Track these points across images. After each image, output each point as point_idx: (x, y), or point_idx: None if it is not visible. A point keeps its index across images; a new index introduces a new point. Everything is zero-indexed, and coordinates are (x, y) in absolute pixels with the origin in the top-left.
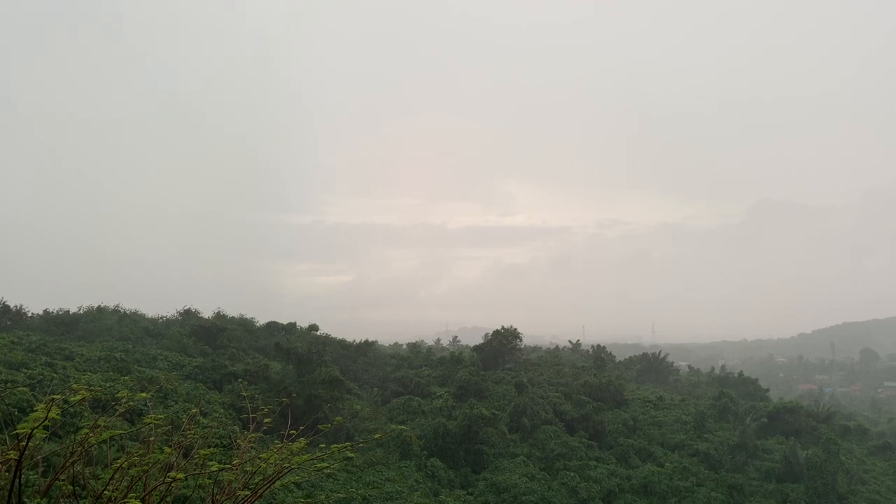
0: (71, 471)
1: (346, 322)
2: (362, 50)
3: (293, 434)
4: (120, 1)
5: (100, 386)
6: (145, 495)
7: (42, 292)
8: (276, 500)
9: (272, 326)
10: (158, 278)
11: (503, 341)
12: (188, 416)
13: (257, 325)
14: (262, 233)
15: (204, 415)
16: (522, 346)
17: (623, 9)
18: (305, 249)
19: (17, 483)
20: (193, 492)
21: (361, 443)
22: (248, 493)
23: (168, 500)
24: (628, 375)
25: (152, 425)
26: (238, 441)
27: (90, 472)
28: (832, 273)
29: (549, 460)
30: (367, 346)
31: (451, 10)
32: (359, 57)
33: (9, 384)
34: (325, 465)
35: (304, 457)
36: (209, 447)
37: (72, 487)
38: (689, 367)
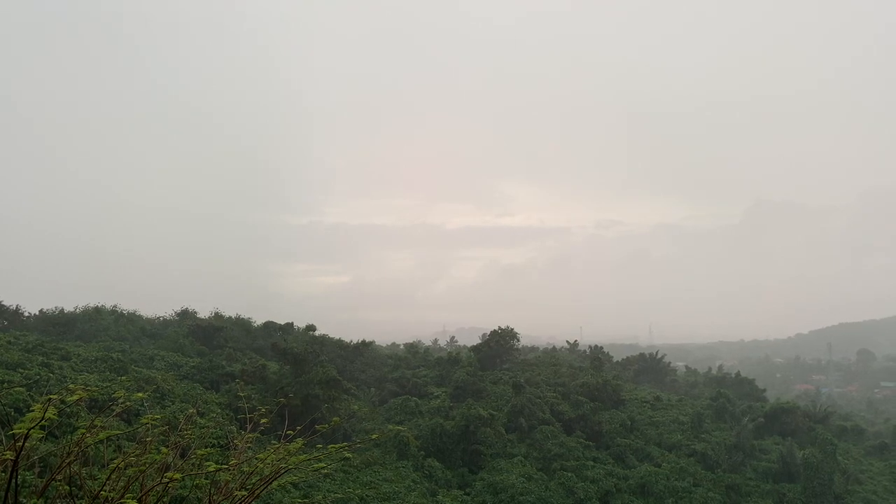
0: (67, 471)
1: (344, 322)
2: (362, 50)
3: (290, 434)
4: (119, 0)
5: (96, 386)
6: (142, 495)
7: (40, 292)
8: (273, 500)
9: (269, 326)
10: (156, 278)
11: (501, 342)
12: (185, 417)
13: (255, 325)
14: (260, 233)
15: (201, 415)
16: (520, 347)
17: (623, 9)
18: (303, 249)
19: (13, 483)
20: (190, 492)
21: (359, 443)
22: (245, 493)
23: (165, 500)
24: (626, 376)
25: (149, 425)
26: (235, 441)
27: (87, 473)
28: (829, 273)
29: (546, 460)
30: (365, 347)
31: (451, 11)
32: (358, 57)
33: (5, 384)
34: (322, 465)
35: (302, 457)
36: (206, 447)
37: (68, 488)
38: (687, 367)
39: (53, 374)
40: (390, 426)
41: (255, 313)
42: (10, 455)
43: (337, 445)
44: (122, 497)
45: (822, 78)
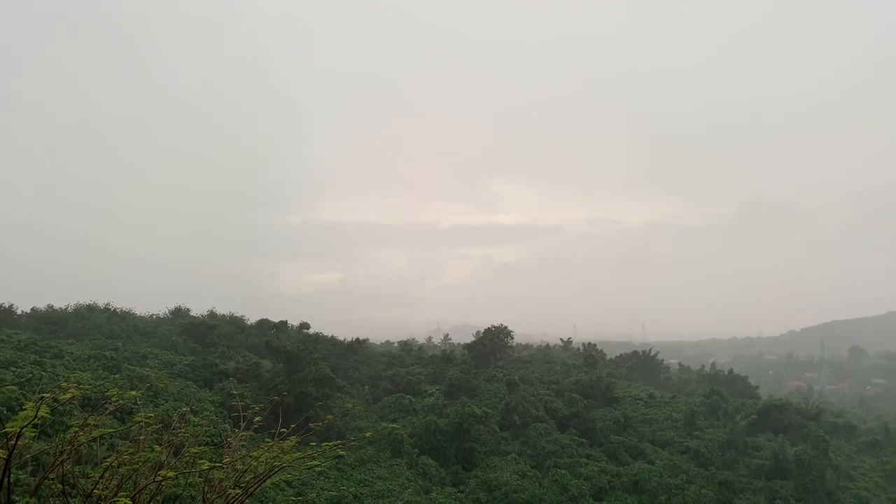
0: (60, 469)
1: (338, 320)
2: (361, 49)
3: (284, 432)
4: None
5: (89, 384)
6: (135, 494)
7: (37, 291)
8: (266, 498)
9: (263, 325)
10: (151, 277)
11: (494, 339)
12: (179, 415)
13: (248, 323)
14: (255, 231)
15: (194, 413)
16: (513, 345)
17: (623, 9)
18: (298, 248)
19: (6, 482)
20: (184, 490)
21: (353, 441)
22: (238, 491)
23: (158, 498)
24: (619, 373)
25: (142, 424)
26: (229, 439)
27: (80, 471)
28: (822, 272)
29: (540, 458)
30: (359, 345)
31: (452, 11)
32: (357, 56)
33: None
34: (316, 463)
35: (295, 455)
36: (200, 446)
37: (61, 486)
38: (680, 364)
39: (46, 372)
40: (384, 424)
41: (249, 312)
42: (2, 453)
43: (331, 443)
44: (115, 495)
45: (821, 78)
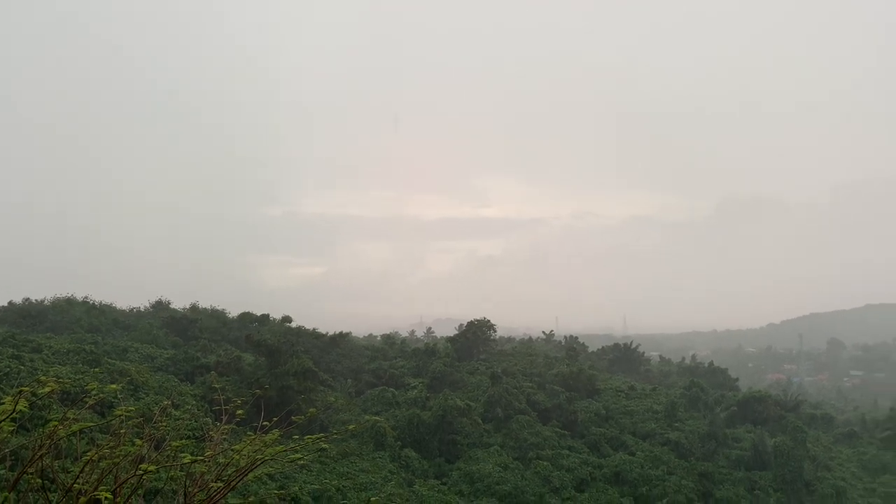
0: (39, 464)
1: (321, 314)
2: (342, 43)
3: (266, 426)
4: None
5: (69, 378)
6: (116, 488)
7: (13, 284)
8: (249, 491)
9: (245, 318)
10: (131, 270)
11: (477, 332)
12: (160, 409)
13: (230, 316)
14: (238, 224)
15: (175, 407)
16: (496, 337)
17: (600, 4)
18: (281, 241)
19: None
20: (165, 484)
21: (335, 434)
22: (220, 485)
23: (139, 492)
24: (600, 366)
25: (123, 417)
26: (210, 433)
27: (59, 466)
28: (800, 265)
29: (522, 450)
30: (341, 338)
31: (436, 5)
32: (338, 50)
33: None
34: (298, 456)
35: (278, 448)
36: (181, 439)
37: (40, 481)
38: (661, 357)
39: (24, 366)
40: (367, 417)
41: (231, 305)
42: None
43: (313, 436)
44: (95, 490)
45: (800, 78)
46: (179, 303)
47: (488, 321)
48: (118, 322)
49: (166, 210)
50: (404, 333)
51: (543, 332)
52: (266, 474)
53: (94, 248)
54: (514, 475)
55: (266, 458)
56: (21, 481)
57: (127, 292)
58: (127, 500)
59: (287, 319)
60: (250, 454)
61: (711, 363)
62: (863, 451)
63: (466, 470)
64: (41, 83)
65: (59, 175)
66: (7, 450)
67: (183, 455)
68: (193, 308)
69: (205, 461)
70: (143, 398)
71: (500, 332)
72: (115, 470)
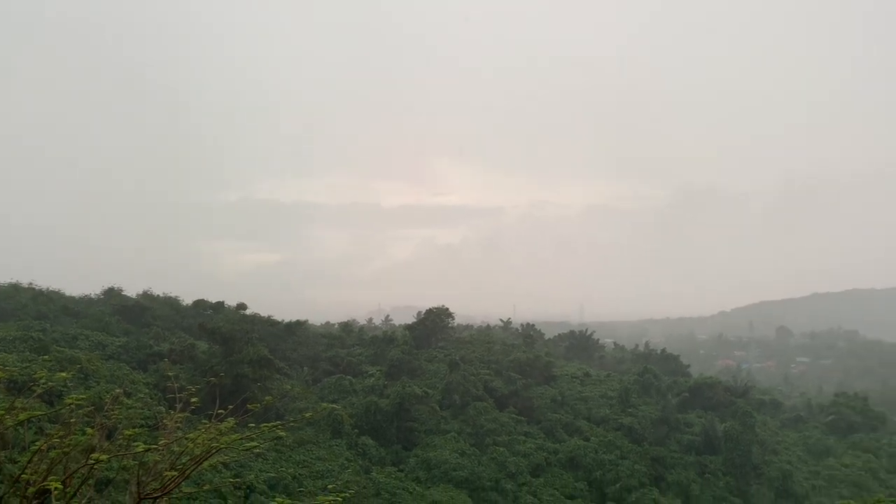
0: None
1: (278, 301)
2: (303, 26)
3: (221, 414)
4: None
5: (15, 366)
6: (66, 478)
7: None
8: (203, 480)
9: (200, 305)
10: (81, 257)
11: (436, 320)
12: (111, 397)
13: (184, 304)
14: (192, 209)
15: (128, 395)
16: (455, 325)
17: None
18: (237, 227)
19: None
20: (117, 474)
21: (292, 422)
22: (175, 473)
23: (90, 482)
24: (557, 352)
25: (73, 406)
26: (164, 421)
27: (6, 456)
28: (751, 255)
29: (479, 436)
30: (297, 326)
31: None
32: (299, 35)
33: None
34: (254, 444)
35: (233, 437)
36: (134, 428)
37: None
38: (615, 344)
39: None
40: (324, 405)
41: (185, 293)
42: None
43: (269, 424)
44: (44, 480)
45: (744, 67)
46: (132, 290)
47: (447, 309)
48: (67, 309)
49: (117, 194)
50: (362, 321)
51: (501, 319)
52: (221, 463)
53: (42, 234)
54: (471, 461)
55: (221, 446)
56: None
57: (76, 279)
58: (77, 490)
59: (242, 307)
60: (205, 442)
61: (664, 350)
62: (808, 435)
63: (423, 457)
64: None
65: (1, 158)
66: None
67: (136, 444)
68: (146, 295)
69: (158, 450)
70: (93, 387)
71: (459, 319)
72: (64, 460)
